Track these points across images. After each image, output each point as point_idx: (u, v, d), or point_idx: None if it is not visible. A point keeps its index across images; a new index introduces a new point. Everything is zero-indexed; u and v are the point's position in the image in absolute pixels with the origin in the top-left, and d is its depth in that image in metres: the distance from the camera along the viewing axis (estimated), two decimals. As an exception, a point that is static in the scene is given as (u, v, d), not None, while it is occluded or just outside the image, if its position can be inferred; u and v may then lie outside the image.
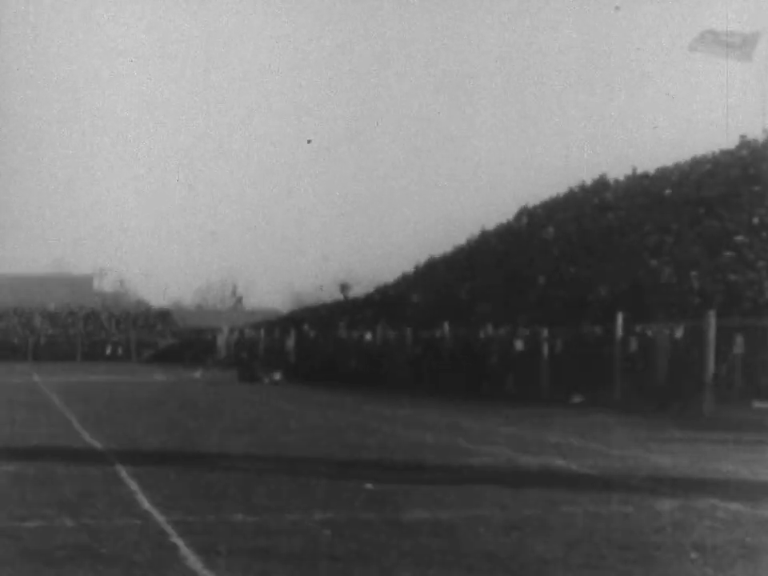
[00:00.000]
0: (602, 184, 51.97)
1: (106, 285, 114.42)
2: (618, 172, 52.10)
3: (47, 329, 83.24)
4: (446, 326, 37.81)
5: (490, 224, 56.60)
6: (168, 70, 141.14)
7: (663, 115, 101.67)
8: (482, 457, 15.79)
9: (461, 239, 57.57)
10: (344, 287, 65.98)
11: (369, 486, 12.46)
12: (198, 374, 49.03)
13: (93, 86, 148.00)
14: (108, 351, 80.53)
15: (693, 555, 8.78)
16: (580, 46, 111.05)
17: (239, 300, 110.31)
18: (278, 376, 42.27)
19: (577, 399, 28.74)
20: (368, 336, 42.92)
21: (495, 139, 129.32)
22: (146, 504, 10.98)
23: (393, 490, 12.21)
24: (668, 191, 44.71)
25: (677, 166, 48.32)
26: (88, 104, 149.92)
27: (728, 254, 34.33)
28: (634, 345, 28.85)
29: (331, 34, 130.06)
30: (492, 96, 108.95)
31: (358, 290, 65.20)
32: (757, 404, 23.92)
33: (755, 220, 36.32)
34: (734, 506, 11.28)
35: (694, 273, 33.44)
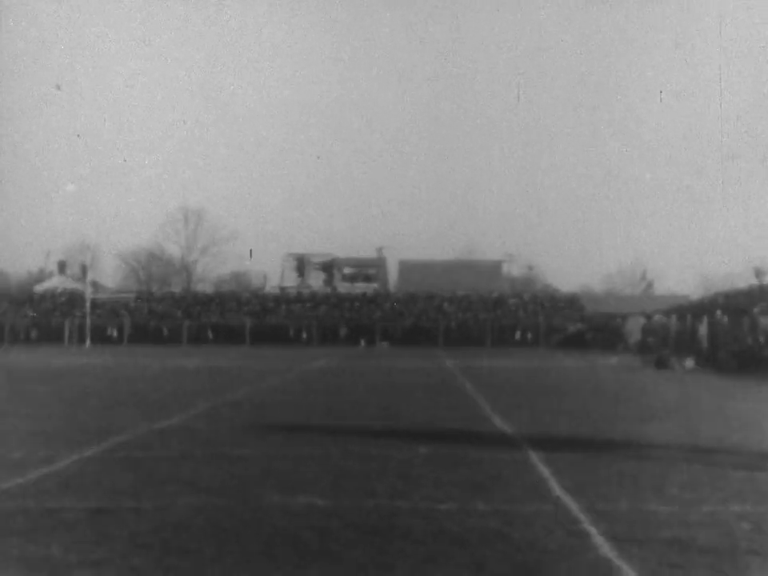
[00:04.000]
0: None
1: (515, 270, 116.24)
2: None
3: (457, 314, 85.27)
4: None
5: None
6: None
7: None
8: None
9: None
10: (758, 273, 63.46)
11: (790, 479, 11.84)
12: (612, 361, 48.64)
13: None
14: (517, 336, 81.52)
15: None
16: None
17: (649, 285, 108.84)
18: (690, 363, 41.26)
19: None
20: (785, 322, 41.06)
21: None
22: (557, 490, 10.91)
23: (816, 485, 11.52)
24: None
25: None
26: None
27: None
28: None
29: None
30: None
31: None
32: None
33: None
34: None
35: None
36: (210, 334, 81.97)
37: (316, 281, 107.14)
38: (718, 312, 48.67)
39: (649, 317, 60.53)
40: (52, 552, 8.11)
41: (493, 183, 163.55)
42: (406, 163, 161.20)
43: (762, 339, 40.87)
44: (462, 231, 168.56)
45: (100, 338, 79.95)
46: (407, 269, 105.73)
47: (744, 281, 71.82)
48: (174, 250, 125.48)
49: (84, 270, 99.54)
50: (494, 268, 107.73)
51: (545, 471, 12.20)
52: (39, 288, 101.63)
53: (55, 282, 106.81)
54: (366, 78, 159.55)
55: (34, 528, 8.98)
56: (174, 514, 9.60)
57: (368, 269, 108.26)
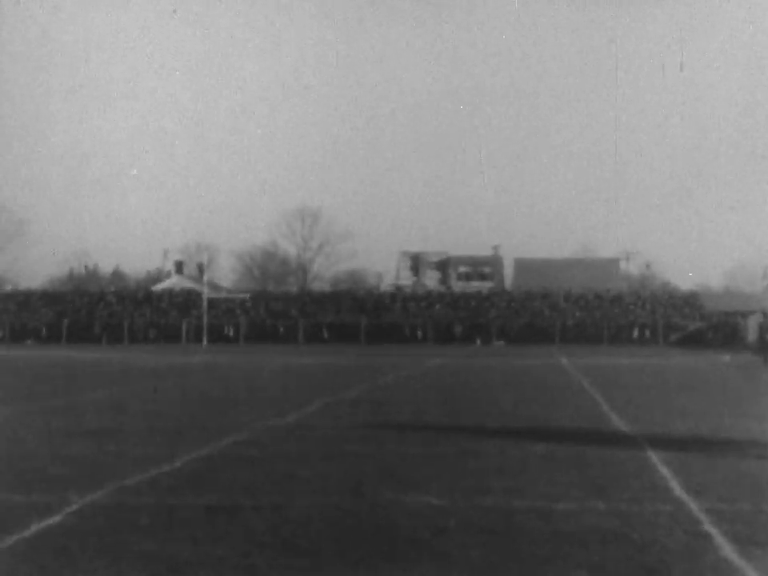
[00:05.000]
0: None
1: (633, 268, 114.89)
2: None
3: (574, 312, 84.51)
4: None
5: None
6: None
7: None
8: None
9: None
10: None
11: None
12: (726, 359, 47.89)
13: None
14: (634, 334, 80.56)
15: None
16: None
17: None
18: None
19: None
20: None
21: None
22: (677, 490, 10.72)
23: None
24: None
25: None
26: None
27: None
28: None
29: None
30: None
31: None
32: None
33: None
34: None
35: None
36: (326, 333, 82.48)
37: (431, 279, 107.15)
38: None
39: (763, 314, 59.25)
40: (171, 549, 8.20)
41: (611, 181, 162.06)
42: (521, 161, 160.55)
43: None
44: (578, 229, 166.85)
45: (217, 336, 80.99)
46: (523, 267, 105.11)
47: None
48: (289, 248, 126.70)
49: (201, 269, 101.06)
50: (612, 266, 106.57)
51: (664, 471, 12.00)
52: (157, 288, 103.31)
53: (173, 282, 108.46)
54: (479, 78, 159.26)
55: (153, 524, 9.10)
56: (291, 511, 9.64)
57: (483, 267, 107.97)
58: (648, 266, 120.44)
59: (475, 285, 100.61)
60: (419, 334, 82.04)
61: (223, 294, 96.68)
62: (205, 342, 78.74)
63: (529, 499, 10.23)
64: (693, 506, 9.88)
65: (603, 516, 9.42)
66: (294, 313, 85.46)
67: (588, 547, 8.26)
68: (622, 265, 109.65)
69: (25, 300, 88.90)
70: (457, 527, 8.96)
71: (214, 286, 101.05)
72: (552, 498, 10.24)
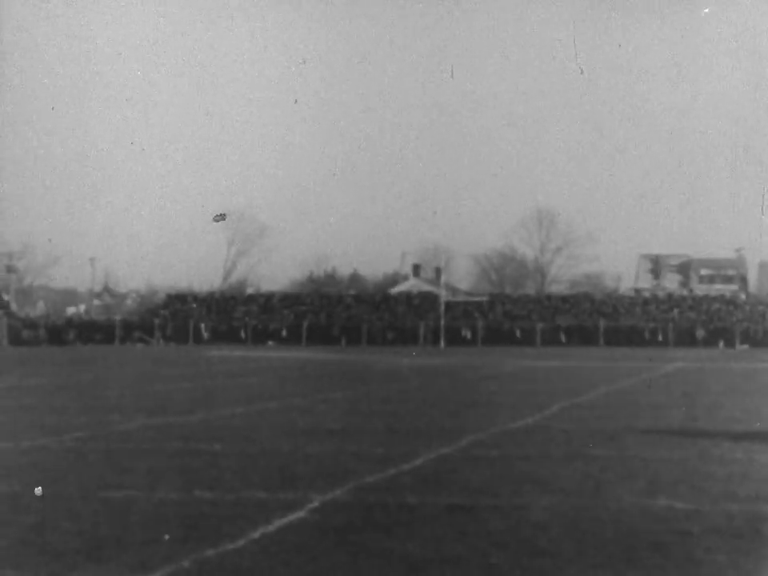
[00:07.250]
0: None
1: None
2: None
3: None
4: None
5: None
6: None
7: None
8: None
9: None
10: None
11: None
12: None
13: None
14: None
15: None
16: None
17: None
18: None
19: None
20: None
21: None
22: None
23: None
24: None
25: None
26: None
27: None
28: None
29: None
30: None
31: None
32: None
33: None
34: None
35: None
36: (563, 336, 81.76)
37: (671, 282, 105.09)
38: None
39: None
40: (410, 547, 8.23)
41: None
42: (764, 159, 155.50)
43: None
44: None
45: (454, 339, 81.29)
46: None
47: None
48: (526, 251, 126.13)
49: (438, 272, 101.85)
50: None
51: None
52: (395, 290, 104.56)
53: (410, 285, 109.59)
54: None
55: (393, 523, 9.16)
56: (531, 513, 9.56)
57: (726, 270, 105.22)
58: None
59: (718, 288, 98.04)
60: (659, 337, 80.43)
61: (460, 297, 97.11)
62: (442, 344, 79.22)
63: (778, 505, 9.86)
64: None
65: None
66: (531, 315, 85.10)
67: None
68: None
69: (266, 302, 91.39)
70: (703, 532, 8.69)
71: (451, 289, 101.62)
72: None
